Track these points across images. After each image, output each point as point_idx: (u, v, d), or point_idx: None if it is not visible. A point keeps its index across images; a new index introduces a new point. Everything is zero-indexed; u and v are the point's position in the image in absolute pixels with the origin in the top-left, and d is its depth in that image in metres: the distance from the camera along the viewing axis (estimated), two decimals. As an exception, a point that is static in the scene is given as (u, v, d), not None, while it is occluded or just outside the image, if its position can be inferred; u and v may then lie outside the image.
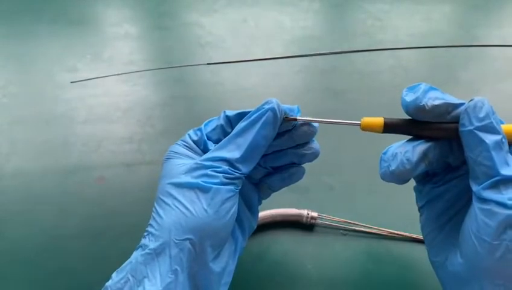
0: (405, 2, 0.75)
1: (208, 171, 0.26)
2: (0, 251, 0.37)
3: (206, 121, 0.31)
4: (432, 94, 0.25)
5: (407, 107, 0.26)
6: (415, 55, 0.62)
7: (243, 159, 0.27)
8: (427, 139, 0.26)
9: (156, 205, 0.27)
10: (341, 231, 0.38)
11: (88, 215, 0.40)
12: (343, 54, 0.61)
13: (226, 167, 0.27)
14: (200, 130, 0.30)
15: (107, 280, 0.26)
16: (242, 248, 0.30)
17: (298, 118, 0.28)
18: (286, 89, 0.55)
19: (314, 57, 0.60)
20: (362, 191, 0.42)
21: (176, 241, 0.25)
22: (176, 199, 0.26)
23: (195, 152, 0.30)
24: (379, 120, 0.27)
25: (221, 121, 0.30)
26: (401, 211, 0.40)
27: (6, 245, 0.37)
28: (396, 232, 0.38)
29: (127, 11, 0.72)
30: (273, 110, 0.27)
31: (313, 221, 0.38)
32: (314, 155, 0.31)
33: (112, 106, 0.52)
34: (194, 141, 0.30)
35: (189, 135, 0.30)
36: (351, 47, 0.63)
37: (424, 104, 0.25)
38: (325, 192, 0.42)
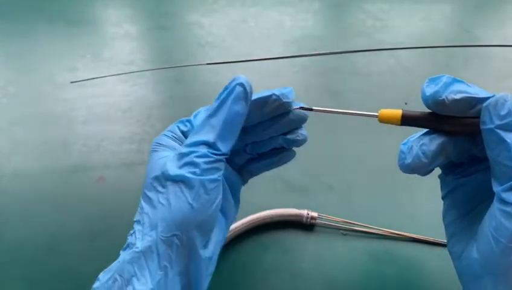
0: (405, 2, 0.75)
1: (188, 159, 0.25)
2: (0, 251, 0.37)
3: (195, 112, 0.30)
4: (455, 87, 0.24)
5: (426, 101, 0.24)
6: (415, 55, 0.62)
7: (219, 138, 0.26)
8: (448, 133, 0.25)
9: (141, 200, 0.26)
10: (341, 231, 0.38)
11: (88, 215, 0.40)
12: (343, 54, 0.61)
13: (205, 150, 0.26)
14: (189, 121, 0.29)
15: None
16: (225, 237, 0.30)
17: (314, 107, 0.28)
18: (286, 89, 0.55)
19: (313, 57, 0.60)
20: (362, 191, 0.42)
21: (163, 239, 0.25)
22: (160, 193, 0.25)
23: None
24: (397, 112, 0.26)
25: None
26: (401, 211, 0.40)
27: (6, 245, 0.37)
28: (396, 232, 0.38)
29: (127, 11, 0.72)
30: (241, 85, 0.27)
31: (313, 221, 0.38)
32: (304, 141, 0.30)
33: (112, 106, 0.52)
34: (182, 132, 0.29)
35: (177, 125, 0.29)
36: (351, 47, 0.63)
37: (444, 98, 0.23)
38: (325, 192, 0.42)
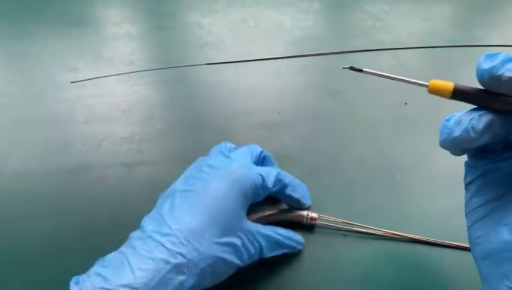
0: (405, 2, 0.75)
1: (252, 253, 0.33)
2: (0, 251, 0.37)
3: (272, 183, 0.35)
4: (511, 66, 0.23)
5: (482, 76, 0.24)
6: (415, 55, 0.62)
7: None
8: (496, 112, 0.24)
9: (213, 234, 0.30)
10: (341, 231, 0.38)
11: (88, 215, 0.40)
12: (343, 54, 0.61)
13: (257, 258, 0.34)
14: (268, 191, 0.35)
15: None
16: None
17: (365, 69, 0.28)
18: (286, 89, 0.55)
19: (314, 57, 0.60)
20: (362, 191, 0.42)
21: (207, 280, 0.30)
22: (228, 253, 0.31)
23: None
24: (449, 85, 0.25)
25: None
26: (401, 211, 0.40)
27: (6, 245, 0.38)
28: (396, 232, 0.38)
29: (127, 11, 0.72)
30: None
31: (313, 222, 0.38)
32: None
33: (112, 106, 0.52)
34: (258, 196, 0.35)
35: (261, 188, 0.35)
36: (351, 47, 0.63)
37: (500, 75, 0.23)
38: (325, 192, 0.42)
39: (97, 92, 0.54)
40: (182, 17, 0.71)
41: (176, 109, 0.52)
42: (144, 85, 0.56)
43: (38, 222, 0.39)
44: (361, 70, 0.28)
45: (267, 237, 0.33)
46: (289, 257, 0.36)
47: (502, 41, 0.64)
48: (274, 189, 0.36)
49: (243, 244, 0.31)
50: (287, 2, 0.74)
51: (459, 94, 0.25)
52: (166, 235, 0.29)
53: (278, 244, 0.34)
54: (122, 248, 0.30)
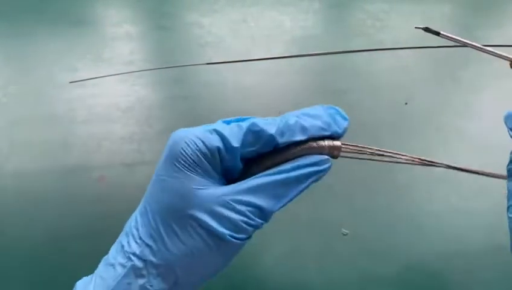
0: (405, 2, 0.75)
1: (232, 216, 0.23)
2: (1, 251, 0.37)
3: (240, 140, 0.24)
4: None
5: None
6: (415, 55, 0.62)
7: (275, 208, 0.24)
8: None
9: (160, 224, 0.24)
10: (342, 231, 0.38)
11: (88, 215, 0.40)
12: (343, 54, 0.61)
13: (259, 221, 0.24)
14: (235, 151, 0.24)
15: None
16: None
17: (442, 32, 0.26)
18: (286, 89, 0.55)
19: (314, 56, 0.60)
20: (361, 191, 0.42)
21: (180, 282, 0.24)
22: (192, 237, 0.23)
23: (215, 173, 0.24)
24: None
25: (262, 148, 0.25)
26: (401, 211, 0.40)
27: (6, 245, 0.38)
28: (426, 159, 0.32)
29: (127, 11, 0.72)
30: (328, 169, 0.25)
31: (336, 153, 0.28)
32: None
33: (112, 106, 0.52)
34: (223, 159, 0.24)
35: (218, 149, 0.24)
36: (351, 47, 0.63)
37: None
38: (325, 190, 0.42)
39: (97, 92, 0.54)
40: (182, 17, 0.71)
41: (176, 109, 0.52)
42: (143, 85, 0.56)
43: (38, 222, 0.39)
44: (438, 34, 0.25)
45: (263, 187, 0.24)
46: (289, 256, 0.36)
47: (502, 41, 0.64)
48: (254, 148, 0.24)
49: (219, 220, 0.23)
50: (287, 1, 0.74)
51: None
52: (126, 235, 0.25)
53: (291, 181, 0.25)
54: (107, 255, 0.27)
